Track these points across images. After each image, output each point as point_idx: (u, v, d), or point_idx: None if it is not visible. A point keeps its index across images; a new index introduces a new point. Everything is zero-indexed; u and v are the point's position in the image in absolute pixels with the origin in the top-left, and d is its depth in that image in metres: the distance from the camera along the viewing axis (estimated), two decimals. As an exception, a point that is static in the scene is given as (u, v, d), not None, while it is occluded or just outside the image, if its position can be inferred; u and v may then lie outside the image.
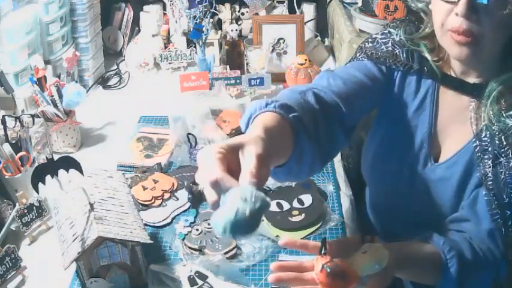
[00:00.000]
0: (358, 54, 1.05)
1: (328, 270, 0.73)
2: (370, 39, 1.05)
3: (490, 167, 0.89)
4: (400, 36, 1.00)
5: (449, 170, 0.97)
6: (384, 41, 1.02)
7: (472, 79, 0.94)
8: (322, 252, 0.76)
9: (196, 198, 0.69)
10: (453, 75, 0.97)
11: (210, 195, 0.63)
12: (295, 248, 0.85)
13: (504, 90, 0.88)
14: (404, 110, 1.02)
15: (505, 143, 0.87)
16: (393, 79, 1.02)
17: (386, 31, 1.04)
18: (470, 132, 0.93)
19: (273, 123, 0.72)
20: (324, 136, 0.82)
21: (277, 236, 1.11)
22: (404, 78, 1.01)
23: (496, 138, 0.88)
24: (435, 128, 1.00)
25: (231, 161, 0.64)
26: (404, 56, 0.99)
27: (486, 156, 0.90)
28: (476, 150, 0.92)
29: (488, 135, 0.90)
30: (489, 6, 0.80)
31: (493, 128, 0.88)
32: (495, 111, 0.88)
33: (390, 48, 1.00)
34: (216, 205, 0.62)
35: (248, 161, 0.63)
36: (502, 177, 0.88)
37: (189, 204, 1.23)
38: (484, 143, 0.90)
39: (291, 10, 2.19)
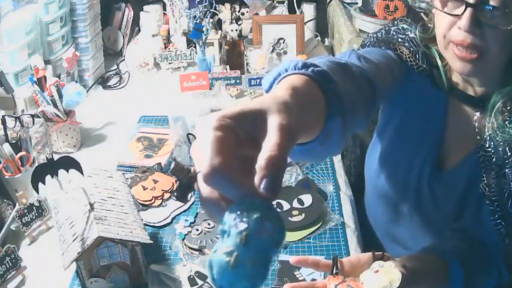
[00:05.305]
0: (373, 42, 1.00)
1: None
2: (383, 31, 1.01)
3: (494, 178, 0.88)
4: (414, 33, 0.95)
5: (454, 179, 0.97)
6: (400, 36, 0.97)
7: (475, 87, 0.93)
8: (334, 271, 0.76)
9: (185, 187, 0.47)
10: (459, 82, 0.95)
11: (205, 190, 0.44)
12: (306, 266, 0.84)
13: (508, 101, 0.86)
14: (415, 113, 1.01)
15: (509, 154, 0.86)
16: (409, 76, 0.98)
17: (399, 27, 0.99)
18: (475, 143, 0.92)
19: (306, 91, 0.56)
20: (358, 119, 0.72)
21: (277, 236, 1.11)
22: (418, 80, 0.98)
23: (500, 149, 0.87)
24: (443, 136, 0.99)
25: (243, 136, 0.45)
26: (419, 57, 0.95)
27: (490, 167, 0.89)
28: (480, 160, 0.90)
29: (492, 146, 0.89)
30: (493, 21, 0.78)
31: (497, 138, 0.87)
32: (499, 121, 0.86)
33: (407, 44, 0.96)
34: (211, 207, 0.44)
35: (268, 141, 0.44)
36: (506, 187, 0.87)
37: (189, 204, 1.23)
38: (488, 154, 0.89)
39: (291, 10, 2.19)
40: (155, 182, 1.28)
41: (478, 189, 0.92)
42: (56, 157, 1.10)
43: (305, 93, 0.55)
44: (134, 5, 2.15)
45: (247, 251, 0.40)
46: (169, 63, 2.01)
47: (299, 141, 0.55)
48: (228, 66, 1.94)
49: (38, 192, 1.11)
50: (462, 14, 0.79)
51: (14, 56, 1.50)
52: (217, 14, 2.12)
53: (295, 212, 1.17)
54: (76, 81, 1.68)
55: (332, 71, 0.63)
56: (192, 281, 0.98)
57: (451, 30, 0.83)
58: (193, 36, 1.83)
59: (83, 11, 1.79)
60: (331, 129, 0.59)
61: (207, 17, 1.80)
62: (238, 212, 0.41)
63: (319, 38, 2.18)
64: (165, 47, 2.08)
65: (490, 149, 0.89)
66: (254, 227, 0.40)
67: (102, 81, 1.95)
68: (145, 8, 2.17)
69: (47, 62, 1.64)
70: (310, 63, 0.60)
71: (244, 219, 0.41)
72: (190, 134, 1.41)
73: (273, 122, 0.45)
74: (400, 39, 0.97)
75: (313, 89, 0.57)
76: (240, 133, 0.45)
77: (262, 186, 0.42)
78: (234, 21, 2.19)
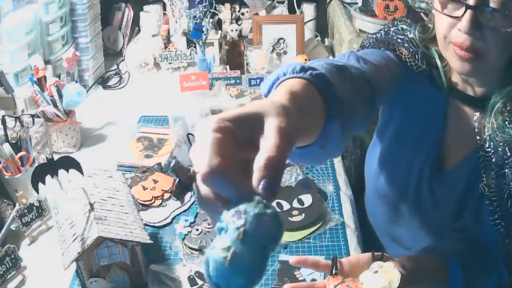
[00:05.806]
0: (372, 43, 1.00)
1: None
2: (383, 32, 1.01)
3: (493, 178, 0.88)
4: (413, 34, 0.95)
5: (454, 179, 0.97)
6: (400, 37, 0.97)
7: (475, 88, 0.93)
8: (333, 272, 0.76)
9: (184, 186, 0.49)
10: (458, 82, 0.95)
11: (203, 190, 0.44)
12: (306, 266, 0.85)
13: (508, 102, 0.86)
14: (415, 113, 1.01)
15: (509, 154, 0.86)
16: (408, 76, 0.97)
17: (398, 27, 0.99)
18: (475, 143, 0.92)
19: (304, 94, 0.56)
20: (357, 121, 0.72)
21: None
22: (418, 81, 0.97)
23: (500, 149, 0.87)
24: (443, 136, 0.99)
25: (242, 139, 0.45)
26: (419, 57, 0.95)
27: (490, 167, 0.89)
28: (480, 160, 0.90)
29: (492, 146, 0.89)
30: (493, 23, 0.78)
31: (497, 138, 0.87)
32: (499, 122, 0.86)
33: (406, 45, 0.96)
34: (209, 207, 0.44)
35: (266, 143, 0.44)
36: (506, 188, 0.87)
37: (189, 204, 1.23)
38: (487, 154, 0.89)
39: (291, 10, 2.19)
40: (155, 182, 1.28)
41: (478, 189, 0.92)
42: (56, 157, 1.10)
43: (303, 96, 0.55)
44: (134, 5, 2.15)
45: (245, 247, 0.40)
46: (169, 63, 2.01)
47: (298, 144, 0.54)
48: (228, 66, 1.94)
49: (38, 192, 1.11)
50: (462, 15, 0.79)
51: (14, 56, 1.50)
52: (217, 14, 2.12)
53: (295, 212, 1.17)
54: (76, 81, 1.68)
55: (330, 73, 0.63)
56: (192, 281, 0.98)
57: (451, 31, 0.83)
58: (193, 36, 1.83)
59: (83, 11, 1.79)
60: (331, 132, 0.59)
61: (207, 17, 1.80)
62: (236, 209, 0.41)
63: (319, 38, 2.18)
64: (165, 47, 2.08)
65: (489, 149, 0.89)
66: (252, 223, 0.40)
67: (102, 81, 1.95)
68: (145, 8, 2.17)
69: (47, 62, 1.65)
70: (308, 67, 0.59)
71: (242, 216, 0.40)
72: (190, 134, 1.41)
73: (271, 125, 0.45)
74: (399, 40, 0.97)
75: (312, 92, 0.57)
76: (238, 136, 0.45)
77: (260, 186, 0.42)
78: (234, 21, 2.19)
